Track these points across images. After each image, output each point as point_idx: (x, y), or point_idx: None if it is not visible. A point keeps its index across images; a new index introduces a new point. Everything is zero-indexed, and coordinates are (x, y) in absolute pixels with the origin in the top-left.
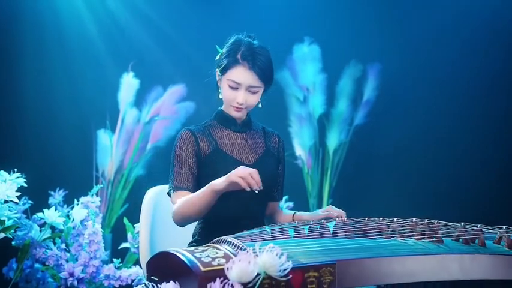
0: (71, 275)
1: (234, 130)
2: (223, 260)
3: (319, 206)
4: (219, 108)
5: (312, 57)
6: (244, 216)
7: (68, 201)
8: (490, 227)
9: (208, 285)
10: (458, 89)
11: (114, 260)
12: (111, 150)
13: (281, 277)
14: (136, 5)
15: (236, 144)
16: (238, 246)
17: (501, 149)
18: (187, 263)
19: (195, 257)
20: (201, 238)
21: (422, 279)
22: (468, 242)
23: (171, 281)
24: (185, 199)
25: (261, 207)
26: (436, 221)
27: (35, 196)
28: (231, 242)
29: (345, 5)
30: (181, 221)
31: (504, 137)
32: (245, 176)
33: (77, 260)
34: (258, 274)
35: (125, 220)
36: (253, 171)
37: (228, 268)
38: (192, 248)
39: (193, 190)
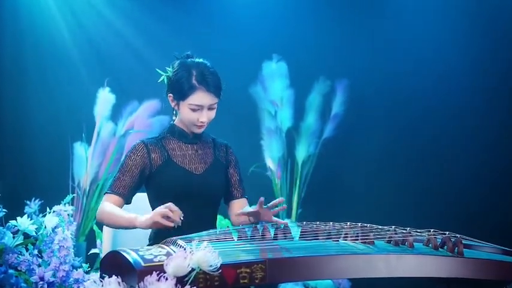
0: (42, 279)
1: (185, 142)
2: (164, 257)
3: (289, 216)
4: (171, 122)
5: (279, 73)
6: (195, 221)
7: (45, 210)
8: (418, 230)
9: (145, 278)
10: (425, 101)
11: (83, 265)
12: (86, 162)
13: (213, 272)
14: (112, 21)
15: (187, 155)
16: (181, 246)
17: (473, 159)
18: (130, 260)
19: (138, 255)
20: (155, 242)
21: (350, 276)
22: (398, 244)
23: (114, 276)
24: (111, 211)
25: (211, 212)
26: (368, 225)
27: (12, 205)
28: (175, 242)
29: (313, 24)
30: (100, 222)
31: (476, 147)
32: (165, 212)
33: (49, 265)
34: (193, 269)
35: (95, 227)
36: (169, 205)
37: (166, 264)
38: (139, 247)
39: (127, 197)
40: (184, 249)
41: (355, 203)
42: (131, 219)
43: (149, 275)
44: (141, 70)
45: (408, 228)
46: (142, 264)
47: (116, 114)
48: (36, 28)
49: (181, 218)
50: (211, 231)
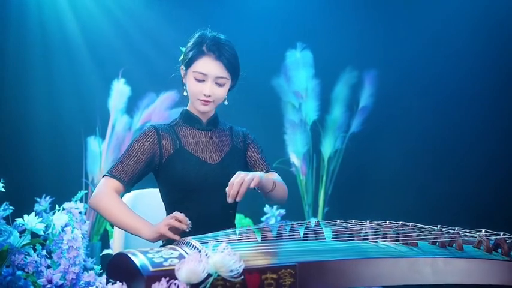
0: (50, 281)
1: (199, 128)
2: (176, 261)
3: (315, 215)
4: (184, 108)
5: (304, 62)
6: (211, 218)
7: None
8: (468, 231)
9: (153, 286)
10: (457, 95)
11: (95, 266)
12: (100, 158)
13: (233, 278)
14: (127, 10)
15: (200, 143)
16: (196, 248)
17: (502, 155)
18: (137, 263)
19: (147, 257)
20: (170, 241)
21: (392, 283)
22: (445, 246)
23: (118, 282)
24: (115, 203)
25: (229, 208)
26: (410, 224)
27: (23, 203)
28: (190, 243)
29: (339, 10)
30: (94, 209)
31: (504, 143)
32: (170, 223)
33: (59, 266)
34: (210, 275)
35: (108, 226)
36: (175, 215)
37: (177, 268)
38: (148, 249)
39: (127, 184)
40: (199, 251)
41: (385, 200)
42: (138, 227)
43: (158, 282)
44: (157, 60)
45: (456, 228)
46: (151, 269)
47: (131, 107)
48: (45, 20)
49: (189, 229)
50: (229, 230)
